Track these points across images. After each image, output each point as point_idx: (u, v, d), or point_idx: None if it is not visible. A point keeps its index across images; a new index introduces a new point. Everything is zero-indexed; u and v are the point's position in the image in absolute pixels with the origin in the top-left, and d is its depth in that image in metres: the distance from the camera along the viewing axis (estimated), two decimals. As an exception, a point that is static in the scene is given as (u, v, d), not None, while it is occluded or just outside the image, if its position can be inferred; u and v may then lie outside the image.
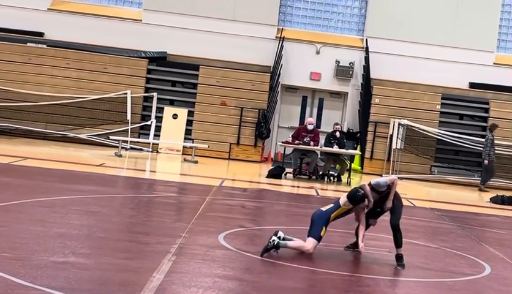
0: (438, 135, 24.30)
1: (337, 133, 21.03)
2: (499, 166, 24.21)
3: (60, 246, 8.38)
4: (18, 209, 10.69)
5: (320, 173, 20.90)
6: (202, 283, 7.40)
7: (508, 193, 20.04)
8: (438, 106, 25.11)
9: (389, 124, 24.42)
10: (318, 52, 26.29)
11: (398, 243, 9.51)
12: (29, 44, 24.72)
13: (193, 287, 7.21)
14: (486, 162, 22.38)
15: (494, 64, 26.26)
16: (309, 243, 9.38)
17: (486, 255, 10.81)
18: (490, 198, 19.45)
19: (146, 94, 24.69)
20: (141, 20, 25.83)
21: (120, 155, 21.36)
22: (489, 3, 26.40)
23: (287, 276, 8.30)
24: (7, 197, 11.47)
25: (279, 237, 9.28)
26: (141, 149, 23.77)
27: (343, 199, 9.71)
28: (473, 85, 26.08)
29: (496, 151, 23.64)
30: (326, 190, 18.83)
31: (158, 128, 23.97)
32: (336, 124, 21.62)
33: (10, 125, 23.68)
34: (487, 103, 25.41)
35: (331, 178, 20.69)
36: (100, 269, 7.62)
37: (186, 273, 7.79)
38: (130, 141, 23.28)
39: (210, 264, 8.35)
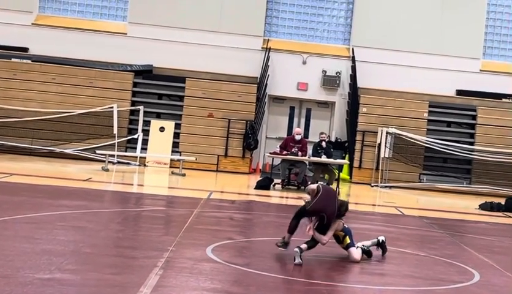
0: (426, 143, 24.30)
1: (323, 143, 21.02)
2: (488, 172, 24.28)
3: (46, 263, 8.28)
4: (3, 226, 10.57)
5: (309, 183, 20.82)
6: (190, 297, 7.32)
7: (497, 200, 20.02)
8: (426, 114, 25.13)
9: (377, 132, 24.42)
10: (304, 62, 26.30)
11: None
12: (13, 59, 24.62)
13: (181, 301, 7.15)
14: None
15: (481, 70, 26.35)
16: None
17: (475, 262, 10.76)
18: (479, 205, 19.44)
19: (133, 108, 24.62)
20: (126, 33, 25.79)
21: (107, 170, 21.26)
22: (474, 10, 26.49)
23: (276, 288, 8.24)
24: (-8, 214, 11.35)
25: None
26: (128, 163, 23.68)
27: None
28: (460, 92, 26.14)
29: (484, 158, 23.74)
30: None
31: (145, 142, 23.90)
32: (322, 133, 21.62)
33: (-6, 141, 23.59)
34: (475, 110, 25.45)
35: (320, 188, 20.60)
36: (87, 285, 7.53)
37: (174, 287, 7.71)
38: (117, 155, 23.19)
39: (198, 277, 8.26)
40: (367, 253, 10.23)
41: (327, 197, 10.03)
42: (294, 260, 9.32)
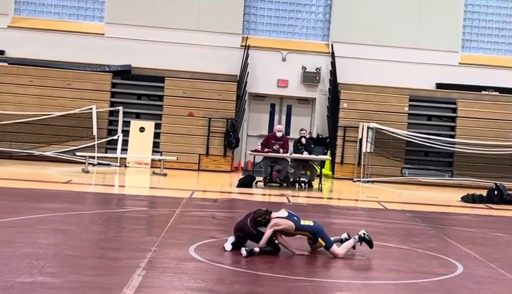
0: (407, 137, 24.35)
1: (303, 139, 21.02)
2: (469, 165, 24.38)
3: (27, 266, 8.21)
4: (-17, 230, 10.47)
5: (291, 180, 20.84)
6: (173, 297, 7.28)
7: (478, 192, 20.09)
8: (406, 108, 25.18)
9: (358, 127, 24.42)
10: (284, 59, 26.27)
11: None
12: (-11, 63, 24.46)
13: (164, 301, 7.10)
14: None
15: (460, 63, 26.44)
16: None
17: (458, 254, 10.78)
18: (462, 197, 19.50)
19: (112, 108, 24.49)
20: (103, 34, 25.66)
21: (88, 171, 21.15)
22: (452, 3, 26.60)
23: (260, 285, 8.22)
24: (-28, 219, 11.25)
25: None
26: (108, 164, 23.57)
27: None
28: (439, 85, 26.22)
29: (465, 150, 23.84)
30: (298, 196, 18.76)
31: (125, 142, 23.78)
32: (302, 129, 21.63)
33: (-28, 146, 23.41)
34: (455, 103, 25.53)
35: (302, 185, 20.63)
36: (69, 287, 7.47)
37: (157, 287, 7.67)
38: (97, 157, 23.06)
39: (181, 277, 8.23)
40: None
41: (242, 219, 10.33)
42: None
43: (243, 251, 9.69)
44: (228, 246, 10.06)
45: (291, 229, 10.01)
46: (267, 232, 9.96)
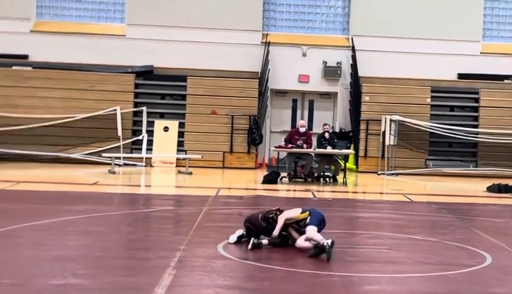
0: (430, 128, 24.30)
1: (326, 134, 21.06)
2: (493, 154, 24.30)
3: (59, 269, 8.34)
4: (14, 234, 10.63)
5: (315, 175, 20.87)
6: (204, 295, 7.36)
7: (504, 181, 20.03)
8: (429, 100, 25.14)
9: (380, 120, 24.40)
10: (304, 55, 26.29)
11: None
12: (14, 67, 24.63)
13: (195, 300, 7.19)
14: None
15: (481, 53, 26.29)
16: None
17: (486, 245, 10.79)
18: (487, 187, 19.44)
19: (136, 109, 24.64)
20: (124, 35, 25.78)
21: (114, 172, 21.31)
22: (472, -8, 26.46)
23: (289, 281, 8.28)
24: (2, 223, 11.38)
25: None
26: (134, 165, 23.73)
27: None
28: (461, 76, 26.11)
29: (489, 140, 23.77)
30: (323, 191, 18.82)
31: (150, 142, 23.93)
32: (325, 124, 21.68)
33: (1, 150, 23.57)
34: (477, 93, 25.44)
35: (327, 179, 20.66)
36: (101, 288, 7.59)
37: (188, 286, 7.77)
38: (123, 157, 23.24)
39: (211, 275, 8.32)
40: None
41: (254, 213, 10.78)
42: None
43: (250, 243, 9.93)
44: (232, 239, 10.29)
45: (297, 215, 10.17)
46: (280, 221, 10.11)
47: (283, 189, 19.17)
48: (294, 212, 10.29)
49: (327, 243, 9.39)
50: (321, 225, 10.13)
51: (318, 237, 9.69)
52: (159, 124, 24.42)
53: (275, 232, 10.11)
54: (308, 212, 10.22)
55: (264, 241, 10.10)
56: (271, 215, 10.28)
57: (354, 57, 25.63)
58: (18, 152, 23.57)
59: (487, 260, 9.68)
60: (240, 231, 10.44)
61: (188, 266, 8.75)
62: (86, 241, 10.32)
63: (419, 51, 25.92)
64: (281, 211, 10.30)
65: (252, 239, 10.11)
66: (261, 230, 10.31)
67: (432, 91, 25.27)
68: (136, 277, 8.15)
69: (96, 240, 10.46)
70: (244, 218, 10.83)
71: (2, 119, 23.58)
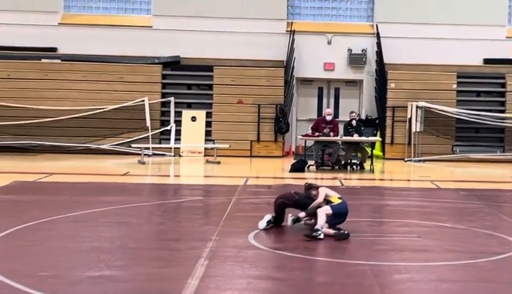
0: (456, 114, 24.26)
1: (353, 122, 21.13)
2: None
3: (94, 260, 8.50)
4: (48, 226, 10.81)
5: (342, 162, 20.94)
6: (237, 285, 7.49)
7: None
8: (455, 85, 25.08)
9: (406, 107, 24.38)
10: (329, 42, 26.31)
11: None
12: (43, 60, 24.88)
13: (228, 290, 7.31)
14: None
15: (507, 37, 26.11)
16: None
17: (515, 232, 10.82)
18: (515, 173, 19.43)
19: (163, 100, 24.82)
20: (151, 26, 25.93)
21: (144, 163, 21.52)
22: (498, -24, 26.29)
23: (320, 271, 8.39)
24: (36, 215, 11.57)
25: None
26: (163, 155, 23.90)
27: None
28: (487, 61, 25.97)
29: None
30: (350, 179, 18.88)
31: (178, 132, 24.09)
32: (351, 112, 21.73)
33: (32, 142, 23.86)
34: (503, 78, 25.31)
35: (354, 167, 20.73)
36: (136, 279, 7.73)
37: (220, 276, 7.89)
38: (152, 148, 23.45)
39: (243, 265, 8.44)
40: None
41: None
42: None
43: (289, 220, 10.31)
44: (262, 224, 10.52)
45: (334, 197, 10.55)
46: (322, 192, 10.54)
47: (311, 177, 19.22)
48: (333, 193, 10.54)
49: (319, 233, 9.83)
50: (339, 218, 10.33)
51: (321, 221, 10.02)
52: (187, 114, 24.58)
53: (320, 199, 10.42)
54: (342, 201, 10.39)
55: (301, 214, 10.34)
56: (312, 185, 10.70)
57: (379, 44, 25.60)
58: (49, 144, 23.82)
59: (516, 247, 9.73)
60: (268, 216, 10.64)
61: (220, 256, 8.86)
62: (119, 232, 10.49)
63: (444, 36, 25.79)
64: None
65: (290, 216, 10.52)
66: (293, 202, 10.68)
67: (458, 77, 25.19)
68: (170, 268, 8.29)
69: (129, 231, 10.62)
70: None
71: (32, 112, 23.85)
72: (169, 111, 24.55)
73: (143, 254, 9.09)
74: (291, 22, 26.14)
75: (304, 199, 10.62)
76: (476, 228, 11.13)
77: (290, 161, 21.90)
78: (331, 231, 10.03)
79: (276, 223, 10.77)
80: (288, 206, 10.72)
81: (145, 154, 22.43)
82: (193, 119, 24.43)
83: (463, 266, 8.79)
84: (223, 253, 9.02)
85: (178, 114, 24.50)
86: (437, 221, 11.60)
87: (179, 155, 24.09)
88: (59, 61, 24.93)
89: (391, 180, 20.41)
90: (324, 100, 26.69)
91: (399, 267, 8.56)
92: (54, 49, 25.50)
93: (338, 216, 10.30)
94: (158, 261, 8.67)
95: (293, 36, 25.45)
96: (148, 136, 23.65)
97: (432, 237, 10.39)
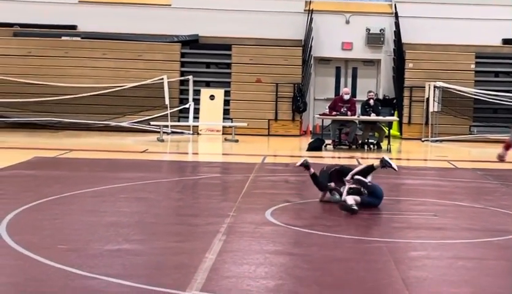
0: (474, 95, 24.20)
1: (371, 101, 21.14)
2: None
3: (113, 234, 8.59)
4: (69, 201, 10.92)
5: (359, 142, 20.98)
6: (253, 260, 7.54)
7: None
8: (473, 66, 25.01)
9: (424, 87, 24.35)
10: (347, 22, 26.26)
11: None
12: (63, 38, 25.04)
13: (245, 265, 7.36)
14: None
15: (526, 17, 26.00)
16: None
17: (532, 211, 10.83)
18: (531, 153, 19.32)
19: (182, 78, 24.91)
20: (170, 4, 25.96)
21: (162, 140, 21.64)
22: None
23: (336, 247, 8.42)
24: (57, 190, 11.70)
25: None
26: (182, 133, 24.03)
27: None
28: (506, 41, 25.88)
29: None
30: (367, 158, 18.85)
31: (196, 111, 24.20)
32: (369, 91, 21.75)
33: (52, 119, 24.03)
34: (522, 58, 25.26)
35: (371, 146, 20.76)
36: (154, 253, 7.80)
37: (237, 251, 7.94)
38: (171, 126, 23.57)
39: (259, 240, 8.49)
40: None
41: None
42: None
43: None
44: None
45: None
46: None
47: (328, 156, 19.30)
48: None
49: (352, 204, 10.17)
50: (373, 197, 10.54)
51: (350, 201, 10.29)
52: (205, 92, 24.66)
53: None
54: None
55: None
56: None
57: (397, 24, 25.54)
58: (69, 120, 23.98)
59: (533, 226, 9.76)
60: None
61: (238, 232, 8.92)
62: (138, 208, 10.59)
63: (463, 16, 25.65)
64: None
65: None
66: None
67: (476, 57, 25.13)
68: (188, 242, 8.36)
69: (148, 206, 10.72)
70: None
71: (53, 88, 24.05)
72: (187, 90, 24.65)
73: (161, 229, 9.18)
74: (310, 2, 26.11)
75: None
76: (493, 207, 11.13)
77: (307, 140, 21.98)
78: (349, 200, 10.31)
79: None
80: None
81: (164, 132, 22.55)
82: (212, 97, 24.51)
83: (479, 244, 8.80)
84: (240, 229, 9.09)
85: (197, 92, 24.59)
86: (454, 200, 11.63)
87: (198, 134, 24.21)
88: (79, 39, 25.08)
89: (408, 159, 20.42)
90: (342, 80, 26.69)
91: (414, 245, 8.61)
92: (74, 27, 25.64)
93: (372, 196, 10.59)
94: (176, 236, 8.75)
95: (311, 15, 25.43)
96: (167, 114, 23.77)
97: (448, 216, 10.43)
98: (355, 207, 10.11)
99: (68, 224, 9.24)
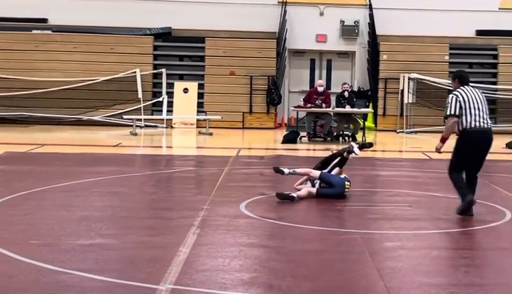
0: (448, 86, 24.18)
1: (346, 93, 21.14)
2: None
3: (85, 229, 8.52)
4: (40, 196, 10.83)
5: (334, 134, 20.97)
6: (228, 253, 7.52)
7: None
8: (447, 57, 25.05)
9: (399, 79, 24.36)
10: (321, 14, 26.21)
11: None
12: (34, 31, 24.75)
13: (220, 258, 7.33)
14: None
15: (500, 9, 26.03)
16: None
17: (506, 201, 10.90)
18: (506, 144, 19.45)
19: (155, 71, 24.75)
20: (142, -3, 25.79)
21: (136, 134, 21.51)
22: None
23: (311, 239, 8.43)
24: (28, 185, 11.59)
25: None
26: (155, 126, 23.89)
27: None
28: (479, 32, 25.94)
29: (508, 96, 23.70)
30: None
31: (170, 104, 24.06)
32: (344, 83, 21.75)
33: (23, 113, 23.78)
34: (496, 49, 25.29)
35: (346, 138, 20.75)
36: (127, 248, 7.75)
37: (211, 244, 7.90)
38: (144, 119, 23.42)
39: (234, 233, 8.47)
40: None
41: None
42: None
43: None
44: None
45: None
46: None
47: (303, 148, 19.30)
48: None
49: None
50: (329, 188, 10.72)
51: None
52: (179, 85, 24.51)
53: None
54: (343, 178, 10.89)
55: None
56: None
57: (371, 16, 25.53)
58: (40, 115, 23.75)
59: (507, 215, 9.77)
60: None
61: (212, 225, 8.89)
62: (110, 202, 10.52)
63: (437, 8, 25.65)
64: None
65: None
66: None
67: (450, 48, 25.15)
68: (161, 236, 8.30)
69: (120, 201, 10.66)
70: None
71: (23, 83, 23.77)
72: (161, 83, 24.51)
73: (135, 223, 9.11)
74: (284, -7, 26.02)
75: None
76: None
77: (282, 132, 21.96)
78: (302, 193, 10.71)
79: None
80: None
81: (137, 126, 22.40)
82: (185, 90, 24.37)
83: (454, 234, 8.86)
84: (214, 222, 9.05)
85: (170, 85, 24.44)
86: (428, 191, 11.66)
87: (171, 127, 24.08)
88: (49, 32, 24.82)
89: (383, 151, 20.41)
90: (317, 72, 26.65)
91: (389, 236, 8.62)
92: (44, 20, 25.37)
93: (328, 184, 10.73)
94: (150, 229, 8.69)
95: (285, 7, 25.35)
96: (140, 107, 23.60)
97: (423, 207, 10.46)
98: (293, 195, 10.50)
99: (39, 219, 9.15)
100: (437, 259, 7.53)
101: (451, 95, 9.57)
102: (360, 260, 7.36)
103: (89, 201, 10.42)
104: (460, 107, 9.38)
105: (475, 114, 9.41)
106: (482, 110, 9.52)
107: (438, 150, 10.01)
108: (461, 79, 9.82)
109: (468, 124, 9.40)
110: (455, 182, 9.69)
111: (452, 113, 9.44)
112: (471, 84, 9.90)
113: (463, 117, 9.38)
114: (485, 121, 9.55)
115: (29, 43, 24.42)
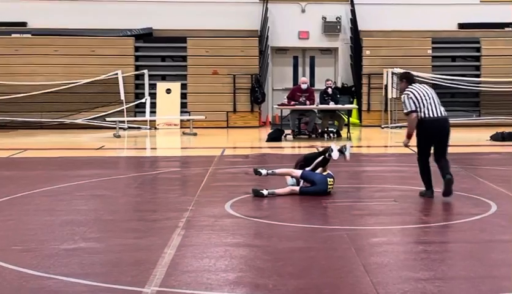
0: (432, 80, 24.24)
1: (329, 90, 21.11)
2: (496, 103, 24.30)
3: (69, 233, 8.44)
4: (23, 201, 10.73)
5: (319, 130, 20.95)
6: (213, 254, 7.47)
7: (507, 130, 20.06)
8: (430, 51, 25.09)
9: (382, 74, 24.38)
10: (303, 11, 26.19)
11: None
12: (13, 35, 24.60)
13: (206, 258, 7.28)
14: None
15: (481, 1, 26.12)
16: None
17: (491, 193, 10.90)
18: (491, 136, 19.50)
19: (137, 72, 24.65)
20: (122, -2, 25.67)
21: (119, 136, 21.40)
22: None
23: (296, 237, 8.39)
24: (11, 190, 11.49)
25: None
26: (139, 128, 23.79)
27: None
28: (462, 25, 26.01)
29: (491, 89, 23.74)
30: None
31: (153, 105, 23.96)
32: (327, 80, 21.74)
33: (5, 118, 23.65)
34: (478, 42, 25.35)
35: (331, 135, 20.72)
36: (112, 251, 7.69)
37: (197, 245, 7.85)
38: (127, 121, 23.31)
39: (219, 233, 8.42)
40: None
41: None
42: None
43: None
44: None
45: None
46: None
47: (288, 146, 19.26)
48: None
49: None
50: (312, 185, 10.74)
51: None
52: (161, 86, 24.40)
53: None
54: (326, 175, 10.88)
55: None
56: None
57: (353, 12, 25.52)
58: (22, 119, 23.62)
59: (492, 208, 9.78)
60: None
61: (197, 225, 8.83)
62: (94, 205, 10.43)
63: (419, 2, 25.73)
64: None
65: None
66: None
67: (433, 42, 25.20)
68: (146, 238, 8.24)
69: (104, 204, 10.57)
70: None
71: (4, 87, 23.63)
72: (143, 84, 24.42)
73: (119, 226, 9.05)
74: (265, -9, 25.98)
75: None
76: (453, 190, 11.11)
77: (267, 131, 21.90)
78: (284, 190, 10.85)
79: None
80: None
81: (120, 128, 22.30)
82: (168, 91, 24.26)
83: (440, 227, 8.86)
84: (199, 223, 9.00)
85: (152, 86, 24.35)
86: (414, 185, 11.60)
87: (155, 128, 23.97)
88: (29, 36, 24.67)
89: (368, 146, 20.46)
90: (300, 69, 26.64)
91: (375, 231, 8.60)
92: (24, 24, 25.22)
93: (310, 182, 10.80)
94: (134, 232, 8.62)
95: (267, 5, 25.34)
96: (123, 109, 23.48)
97: (408, 201, 10.44)
98: (263, 192, 10.68)
99: (23, 224, 9.07)
100: (423, 253, 7.51)
101: (403, 95, 10.56)
102: (346, 257, 7.35)
103: (73, 205, 10.33)
104: (414, 103, 10.31)
105: (428, 106, 10.37)
106: (433, 102, 10.45)
107: (405, 145, 11.10)
108: (408, 79, 10.80)
109: (423, 115, 10.34)
110: (420, 170, 10.77)
111: (410, 109, 10.39)
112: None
113: (419, 110, 10.33)
114: (438, 111, 10.48)
115: (9, 47, 24.28)
